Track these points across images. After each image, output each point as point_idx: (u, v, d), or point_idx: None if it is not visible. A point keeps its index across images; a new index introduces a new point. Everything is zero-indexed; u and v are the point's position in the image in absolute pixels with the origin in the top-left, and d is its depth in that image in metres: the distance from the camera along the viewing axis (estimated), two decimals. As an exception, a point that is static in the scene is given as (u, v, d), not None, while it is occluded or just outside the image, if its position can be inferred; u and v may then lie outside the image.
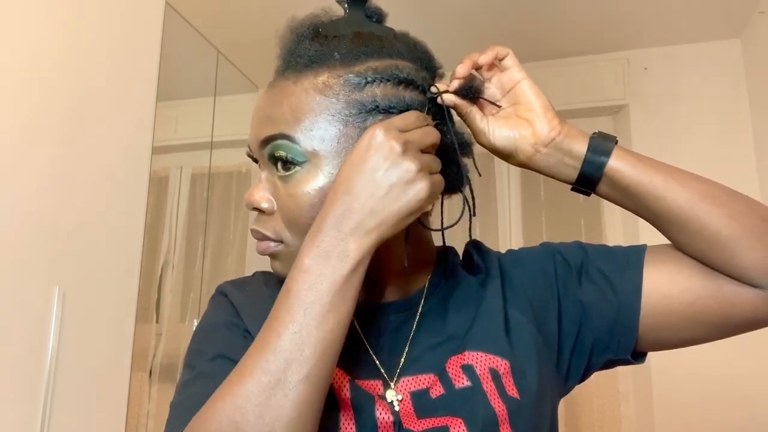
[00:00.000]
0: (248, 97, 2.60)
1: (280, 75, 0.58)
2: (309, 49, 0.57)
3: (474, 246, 0.69)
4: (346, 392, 0.55)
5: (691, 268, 0.58)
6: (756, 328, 0.59)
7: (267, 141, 0.56)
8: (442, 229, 0.61)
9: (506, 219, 2.53)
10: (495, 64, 0.61)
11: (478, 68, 0.61)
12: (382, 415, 0.54)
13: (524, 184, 2.55)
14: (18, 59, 1.24)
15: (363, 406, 0.54)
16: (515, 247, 0.72)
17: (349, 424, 0.54)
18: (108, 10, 1.50)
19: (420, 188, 0.50)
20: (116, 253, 1.50)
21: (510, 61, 0.60)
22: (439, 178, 0.53)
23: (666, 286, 0.59)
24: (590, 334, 0.62)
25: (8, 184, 1.21)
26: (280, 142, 0.55)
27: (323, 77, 0.55)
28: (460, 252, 0.70)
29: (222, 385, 0.47)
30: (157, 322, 2.14)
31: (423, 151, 0.52)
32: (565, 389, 0.64)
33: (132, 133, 1.59)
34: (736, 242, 0.55)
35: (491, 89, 0.61)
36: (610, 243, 2.16)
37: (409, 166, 0.49)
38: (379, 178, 0.49)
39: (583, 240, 0.66)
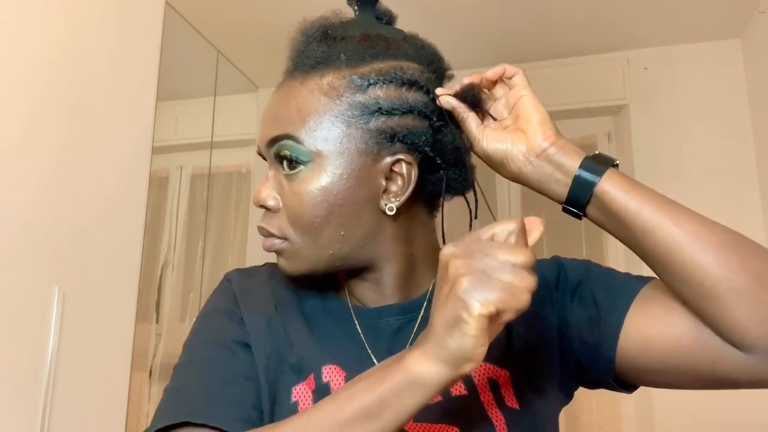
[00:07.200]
0: (248, 97, 2.60)
1: (289, 75, 0.60)
2: (316, 50, 0.59)
3: None
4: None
5: (678, 316, 0.54)
6: (739, 388, 0.54)
7: (273, 141, 0.58)
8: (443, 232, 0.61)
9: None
10: (504, 82, 0.61)
11: (489, 87, 0.61)
12: None
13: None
14: (18, 59, 1.24)
15: None
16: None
17: None
18: (108, 10, 1.50)
19: (468, 335, 0.42)
20: (116, 253, 1.50)
21: (518, 79, 0.60)
22: (516, 301, 0.42)
23: (647, 329, 0.56)
24: (573, 355, 0.61)
25: (8, 184, 1.21)
26: (285, 142, 0.57)
27: (328, 78, 0.57)
28: None
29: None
30: (157, 322, 2.14)
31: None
32: (566, 399, 0.64)
33: (132, 133, 1.59)
34: (720, 298, 0.50)
35: (499, 107, 0.61)
36: (609, 249, 2.18)
37: (464, 306, 0.41)
38: (443, 310, 0.43)
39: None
